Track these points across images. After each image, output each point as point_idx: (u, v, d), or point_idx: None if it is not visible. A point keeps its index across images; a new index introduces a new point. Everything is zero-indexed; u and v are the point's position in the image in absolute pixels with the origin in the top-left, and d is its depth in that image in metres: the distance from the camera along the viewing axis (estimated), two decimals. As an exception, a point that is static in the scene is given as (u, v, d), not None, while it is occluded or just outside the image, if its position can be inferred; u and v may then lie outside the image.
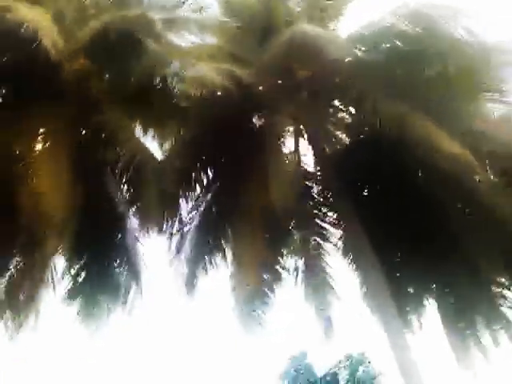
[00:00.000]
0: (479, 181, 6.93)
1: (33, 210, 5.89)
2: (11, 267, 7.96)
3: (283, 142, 8.40)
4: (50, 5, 7.50)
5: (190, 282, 8.50)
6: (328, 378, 15.30)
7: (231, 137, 8.28)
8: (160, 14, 8.48)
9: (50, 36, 5.93)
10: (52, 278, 8.09)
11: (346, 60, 8.31)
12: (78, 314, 8.10)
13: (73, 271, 8.15)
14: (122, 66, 8.22)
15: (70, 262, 8.15)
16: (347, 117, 9.33)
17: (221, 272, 8.62)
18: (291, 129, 8.99)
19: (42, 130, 6.74)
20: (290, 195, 6.94)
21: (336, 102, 9.13)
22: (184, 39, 9.37)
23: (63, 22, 7.61)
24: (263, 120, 8.66)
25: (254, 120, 8.84)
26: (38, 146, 6.45)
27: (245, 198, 7.62)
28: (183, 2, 9.15)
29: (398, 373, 6.71)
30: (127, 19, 7.13)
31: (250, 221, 7.65)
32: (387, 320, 7.17)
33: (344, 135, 9.51)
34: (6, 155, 6.10)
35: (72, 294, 8.12)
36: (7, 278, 7.93)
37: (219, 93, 7.11)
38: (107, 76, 8.46)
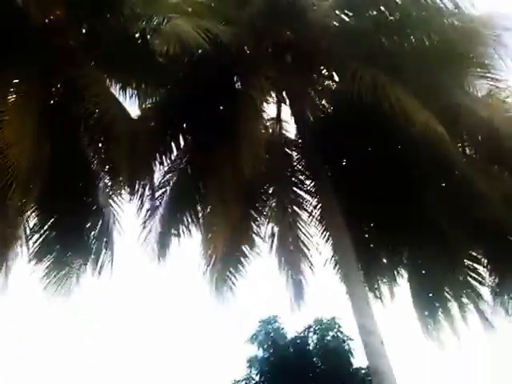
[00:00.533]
0: (452, 153, 6.87)
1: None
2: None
3: (263, 107, 8.20)
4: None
5: (163, 245, 8.42)
6: (297, 342, 15.56)
7: (210, 97, 8.09)
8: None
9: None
10: (25, 235, 8.05)
11: (332, 25, 8.11)
12: (46, 273, 7.99)
13: (43, 229, 7.99)
14: (101, 18, 7.96)
15: (41, 219, 7.99)
16: (331, 84, 9.17)
17: (193, 236, 8.56)
18: (273, 95, 8.85)
19: (14, 81, 6.43)
20: (262, 159, 6.83)
21: (320, 68, 8.93)
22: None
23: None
24: (243, 82, 8.42)
25: (234, 81, 8.62)
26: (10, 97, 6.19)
27: (220, 160, 7.47)
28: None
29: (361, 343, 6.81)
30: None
31: (224, 184, 7.55)
32: (354, 290, 7.23)
33: (327, 103, 9.36)
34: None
35: (42, 252, 7.99)
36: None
37: (198, 51, 6.79)
38: (84, 28, 8.14)
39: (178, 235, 8.39)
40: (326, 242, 8.86)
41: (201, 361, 17.21)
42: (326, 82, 9.30)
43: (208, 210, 8.03)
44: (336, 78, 8.99)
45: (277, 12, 7.39)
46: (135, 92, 8.84)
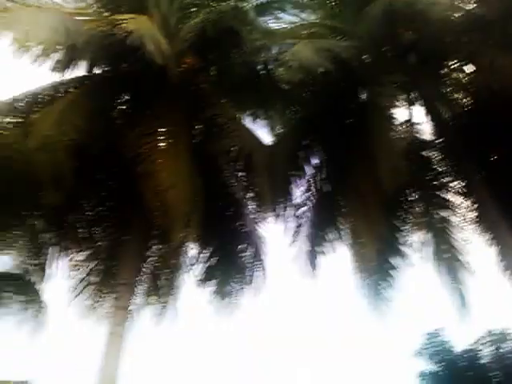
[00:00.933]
0: None
1: (161, 204, 6.41)
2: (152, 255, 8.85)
3: (392, 113, 7.98)
4: (154, 11, 8.00)
5: (311, 262, 8.57)
6: (469, 354, 14.35)
7: (338, 115, 8.16)
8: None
9: (153, 41, 6.32)
10: (186, 264, 8.88)
11: (456, 15, 7.66)
12: (212, 297, 8.64)
13: (203, 258, 8.69)
14: (225, 59, 8.55)
15: (200, 249, 8.72)
16: (463, 76, 8.59)
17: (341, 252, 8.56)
18: (402, 98, 8.59)
19: (160, 130, 7.22)
20: (401, 168, 6.62)
21: (449, 63, 8.44)
22: (281, 21, 9.50)
23: (168, 25, 8.09)
24: (369, 92, 8.33)
25: (359, 95, 8.57)
26: (159, 145, 6.95)
27: (357, 173, 7.43)
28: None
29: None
30: (222, 13, 7.30)
31: (365, 197, 7.47)
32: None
33: (462, 97, 8.77)
34: (131, 157, 6.69)
35: (205, 279, 8.69)
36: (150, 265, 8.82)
37: (321, 71, 6.92)
38: (212, 70, 8.82)
39: (323, 253, 8.45)
40: (489, 245, 8.15)
41: (367, 374, 16.75)
42: (457, 76, 8.75)
43: (351, 224, 7.97)
44: (468, 70, 8.42)
45: (395, 17, 7.24)
46: (266, 120, 9.33)
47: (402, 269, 8.48)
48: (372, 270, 7.92)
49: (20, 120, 6.74)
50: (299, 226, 8.57)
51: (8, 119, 6.72)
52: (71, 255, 8.75)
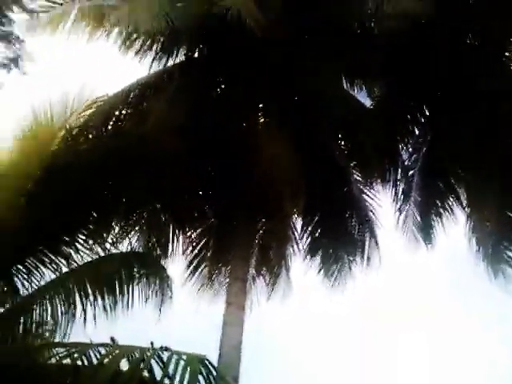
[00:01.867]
0: None
1: (269, 177, 6.51)
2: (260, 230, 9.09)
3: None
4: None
5: (425, 230, 8.24)
6: None
7: (442, 66, 7.59)
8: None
9: (251, 15, 6.31)
10: (294, 236, 9.00)
11: None
12: (320, 268, 8.69)
13: (309, 228, 8.73)
14: (318, 23, 8.26)
15: (306, 220, 8.76)
16: None
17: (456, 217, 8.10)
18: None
19: (261, 105, 7.29)
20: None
21: None
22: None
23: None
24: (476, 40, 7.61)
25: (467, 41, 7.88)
26: (261, 120, 7.03)
27: (474, 134, 6.91)
28: None
29: None
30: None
31: (484, 159, 6.95)
32: None
33: None
34: (237, 133, 6.84)
35: (312, 250, 8.74)
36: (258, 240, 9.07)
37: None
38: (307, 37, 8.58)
39: (439, 216, 8.06)
40: None
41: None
42: None
43: (469, 186, 7.47)
44: None
45: None
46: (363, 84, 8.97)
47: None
48: (495, 233, 7.39)
49: (133, 110, 7.17)
50: (409, 190, 8.24)
51: (123, 111, 7.16)
52: (187, 232, 9.27)
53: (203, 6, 6.55)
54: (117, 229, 7.57)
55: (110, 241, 7.67)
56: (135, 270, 7.38)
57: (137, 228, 8.21)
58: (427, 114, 8.30)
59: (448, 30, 7.36)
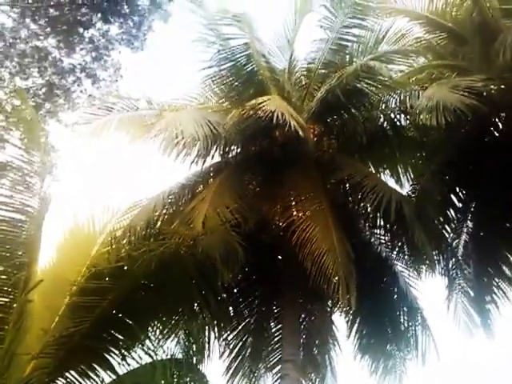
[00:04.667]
0: None
1: (318, 271, 6.32)
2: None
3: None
4: (275, 90, 8.36)
5: (483, 321, 7.80)
6: None
7: (480, 152, 7.71)
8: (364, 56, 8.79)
9: (292, 117, 6.57)
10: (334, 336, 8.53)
11: None
12: (372, 368, 8.13)
13: (355, 326, 8.30)
14: (349, 119, 8.60)
15: (351, 317, 8.36)
16: None
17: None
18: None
19: (300, 198, 7.29)
20: None
21: None
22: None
23: (293, 101, 8.38)
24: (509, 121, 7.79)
25: (497, 126, 8.06)
26: (304, 213, 6.99)
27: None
28: (383, 37, 9.31)
29: None
30: (345, 77, 7.42)
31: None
32: None
33: None
34: (281, 229, 6.80)
35: (361, 349, 8.24)
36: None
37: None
38: (338, 133, 8.88)
39: (494, 301, 7.66)
40: None
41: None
42: None
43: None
44: None
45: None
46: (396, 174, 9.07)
47: None
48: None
49: (173, 211, 7.22)
50: (458, 277, 7.93)
51: (163, 211, 7.21)
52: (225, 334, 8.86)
53: (249, 110, 6.81)
54: (157, 334, 7.28)
55: (150, 347, 7.34)
56: (175, 378, 6.95)
57: (175, 333, 7.88)
58: (465, 199, 8.23)
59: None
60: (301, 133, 6.60)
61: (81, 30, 11.15)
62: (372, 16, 8.91)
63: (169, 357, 7.78)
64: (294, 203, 7.15)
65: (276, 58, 9.30)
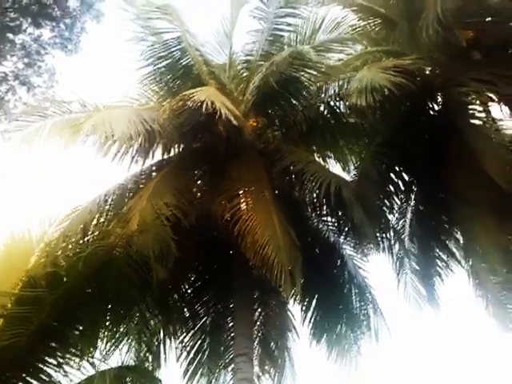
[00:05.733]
0: None
1: (261, 260, 6.26)
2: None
3: (474, 115, 7.56)
4: (212, 83, 8.26)
5: (429, 295, 7.96)
6: None
7: (415, 131, 7.85)
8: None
9: (224, 105, 6.47)
10: (292, 324, 8.52)
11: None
12: (327, 351, 8.16)
13: (309, 313, 8.31)
14: (288, 108, 8.60)
15: (304, 303, 8.36)
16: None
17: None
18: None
19: (243, 190, 7.21)
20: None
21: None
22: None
23: (229, 93, 8.30)
24: (445, 101, 7.97)
25: (433, 106, 8.23)
26: (246, 204, 6.92)
27: (458, 184, 6.94)
28: (319, 27, 9.38)
29: None
30: (277, 64, 7.38)
31: (474, 210, 6.92)
32: None
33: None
34: (223, 222, 6.70)
35: (317, 334, 8.25)
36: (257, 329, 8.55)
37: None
38: (278, 123, 8.87)
39: (439, 274, 7.83)
40: None
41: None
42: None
43: (464, 239, 7.37)
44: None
45: (451, 16, 7.01)
46: (339, 159, 9.15)
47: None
48: (497, 284, 7.16)
49: (113, 213, 7.00)
50: (404, 254, 8.07)
51: (102, 215, 6.98)
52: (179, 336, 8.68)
53: (179, 102, 6.67)
54: (105, 342, 7.04)
55: (98, 356, 7.08)
56: (128, 385, 6.73)
57: (126, 339, 7.66)
58: (406, 179, 8.36)
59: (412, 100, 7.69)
60: (234, 121, 6.52)
61: (11, 35, 10.75)
62: (304, 4, 8.96)
63: (120, 365, 7.61)
64: (237, 195, 7.01)
65: (215, 53, 9.27)
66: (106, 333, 7.14)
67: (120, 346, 7.51)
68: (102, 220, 6.88)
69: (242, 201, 6.84)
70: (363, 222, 6.83)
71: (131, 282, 5.52)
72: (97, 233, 6.42)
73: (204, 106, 6.23)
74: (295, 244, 6.59)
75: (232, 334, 8.17)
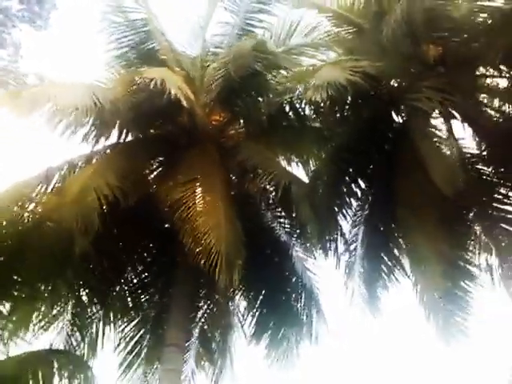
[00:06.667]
0: None
1: (203, 249, 6.09)
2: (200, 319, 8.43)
3: (433, 128, 7.61)
4: (176, 69, 8.12)
5: (372, 302, 7.92)
6: None
7: (375, 139, 7.86)
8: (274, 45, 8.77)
9: (175, 84, 6.32)
10: (238, 320, 8.37)
11: (480, 19, 7.42)
12: (267, 350, 8.02)
13: (253, 310, 8.17)
14: (251, 104, 8.51)
15: (249, 301, 8.23)
16: (499, 82, 8.18)
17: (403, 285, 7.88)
18: (437, 114, 8.23)
19: (194, 179, 7.04)
20: (456, 172, 6.15)
21: (481, 69, 8.08)
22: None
23: (192, 81, 8.17)
24: (404, 113, 8.02)
25: (393, 116, 8.27)
26: (194, 193, 6.75)
27: (408, 193, 6.94)
28: (294, 29, 9.37)
29: None
30: (242, 56, 7.30)
31: (420, 221, 6.92)
32: None
33: (502, 103, 8.31)
34: (167, 207, 6.53)
35: (258, 333, 8.11)
36: (198, 328, 8.37)
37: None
38: (241, 118, 8.77)
39: (385, 286, 7.80)
40: None
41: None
42: (492, 82, 8.35)
43: (410, 248, 7.36)
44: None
45: (415, 28, 7.05)
46: (300, 161, 9.10)
47: (473, 292, 7.63)
48: (440, 296, 7.18)
49: (58, 186, 6.74)
50: (352, 259, 8.02)
51: (48, 188, 6.72)
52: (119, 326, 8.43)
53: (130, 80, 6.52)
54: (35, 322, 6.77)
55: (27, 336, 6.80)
56: (55, 369, 6.47)
57: (59, 322, 7.39)
58: (362, 186, 8.35)
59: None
60: (184, 103, 6.34)
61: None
62: (277, 2, 8.94)
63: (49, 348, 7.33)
64: (186, 183, 6.84)
65: (187, 44, 9.14)
66: (37, 312, 6.91)
67: (51, 329, 7.24)
68: (41, 193, 6.59)
69: (189, 188, 6.65)
70: (310, 220, 6.74)
71: (53, 254, 5.30)
72: (32, 205, 6.14)
73: (152, 83, 6.06)
74: (240, 237, 6.45)
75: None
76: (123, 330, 8.45)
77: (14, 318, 6.27)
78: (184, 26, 9.12)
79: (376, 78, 6.95)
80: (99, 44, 8.52)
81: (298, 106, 8.78)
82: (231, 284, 5.98)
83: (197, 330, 8.37)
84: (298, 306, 8.04)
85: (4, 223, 6.26)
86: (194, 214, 6.25)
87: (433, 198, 6.57)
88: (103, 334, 8.09)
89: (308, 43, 9.45)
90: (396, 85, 7.86)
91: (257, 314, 8.13)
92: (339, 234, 7.83)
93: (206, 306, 8.50)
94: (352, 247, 8.14)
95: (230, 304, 8.27)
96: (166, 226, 7.87)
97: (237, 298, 8.31)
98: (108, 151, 7.58)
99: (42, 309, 6.96)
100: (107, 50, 8.48)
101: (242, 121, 8.86)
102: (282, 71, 8.70)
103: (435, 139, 7.32)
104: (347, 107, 7.63)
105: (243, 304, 8.36)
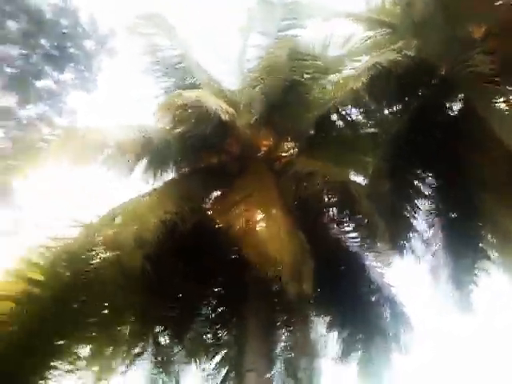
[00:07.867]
0: None
1: (264, 260, 5.84)
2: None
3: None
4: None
5: (465, 301, 7.23)
6: None
7: (431, 128, 7.41)
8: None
9: (214, 102, 6.33)
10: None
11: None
12: (359, 367, 7.48)
13: (338, 328, 7.70)
14: (297, 118, 8.35)
15: (331, 321, 7.77)
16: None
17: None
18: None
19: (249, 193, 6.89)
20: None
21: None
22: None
23: (235, 106, 8.14)
24: (460, 103, 7.55)
25: (449, 106, 7.80)
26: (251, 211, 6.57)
27: (488, 181, 6.38)
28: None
29: None
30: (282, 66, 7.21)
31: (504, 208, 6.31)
32: None
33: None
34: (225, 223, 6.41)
35: (345, 352, 7.61)
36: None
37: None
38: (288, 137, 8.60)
39: (474, 282, 7.11)
40: None
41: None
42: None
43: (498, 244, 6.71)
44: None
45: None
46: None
47: None
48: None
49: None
50: (436, 260, 7.42)
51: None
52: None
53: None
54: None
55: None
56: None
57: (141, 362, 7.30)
58: (430, 181, 7.84)
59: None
60: (223, 116, 6.26)
61: (33, 80, 11.26)
62: (307, 18, 8.91)
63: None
64: (240, 202, 6.68)
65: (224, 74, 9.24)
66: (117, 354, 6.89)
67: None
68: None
69: (247, 204, 6.50)
70: (375, 223, 6.31)
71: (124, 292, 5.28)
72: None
73: (191, 102, 6.08)
74: (303, 246, 6.14)
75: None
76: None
77: (95, 361, 6.23)
78: (220, 56, 9.31)
79: (419, 61, 6.60)
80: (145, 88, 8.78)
81: (344, 112, 8.53)
82: (303, 293, 5.62)
83: (281, 359, 7.96)
84: (383, 317, 7.47)
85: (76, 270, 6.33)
86: (252, 227, 6.05)
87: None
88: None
89: (345, 54, 9.30)
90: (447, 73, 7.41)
91: (343, 332, 7.63)
92: (414, 234, 7.28)
93: (286, 334, 8.11)
94: (433, 247, 7.55)
95: (310, 327, 7.83)
96: (233, 256, 7.75)
97: (316, 319, 7.85)
98: (163, 185, 7.63)
99: (122, 351, 6.89)
100: (151, 92, 8.73)
101: (289, 138, 8.71)
102: (323, 81, 8.53)
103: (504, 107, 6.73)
104: (394, 99, 7.28)
105: (324, 324, 7.88)
